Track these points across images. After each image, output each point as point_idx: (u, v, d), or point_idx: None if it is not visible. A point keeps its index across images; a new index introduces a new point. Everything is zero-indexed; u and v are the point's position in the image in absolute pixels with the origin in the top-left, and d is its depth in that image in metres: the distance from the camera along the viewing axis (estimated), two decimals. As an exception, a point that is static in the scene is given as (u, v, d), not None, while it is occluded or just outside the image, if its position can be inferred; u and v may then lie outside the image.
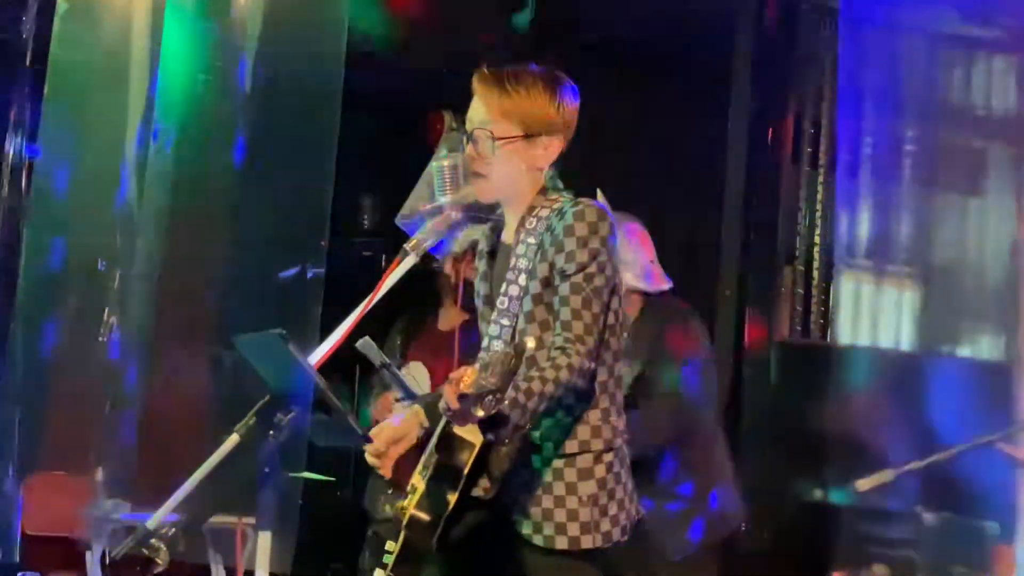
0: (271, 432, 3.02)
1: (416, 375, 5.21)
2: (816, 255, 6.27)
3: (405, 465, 3.46)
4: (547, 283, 3.05)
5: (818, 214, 6.29)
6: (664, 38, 6.28)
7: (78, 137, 5.67)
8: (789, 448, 4.84)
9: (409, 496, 3.13)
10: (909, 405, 4.86)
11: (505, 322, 3.08)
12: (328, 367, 3.13)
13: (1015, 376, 4.69)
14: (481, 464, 2.98)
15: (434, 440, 3.08)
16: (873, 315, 5.69)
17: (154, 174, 5.63)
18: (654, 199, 6.10)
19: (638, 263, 4.54)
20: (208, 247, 5.71)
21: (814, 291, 6.29)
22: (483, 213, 3.31)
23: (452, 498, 2.95)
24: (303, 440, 3.59)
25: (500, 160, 3.13)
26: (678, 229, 6.47)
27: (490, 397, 2.65)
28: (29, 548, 5.57)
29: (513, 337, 3.07)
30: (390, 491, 5.20)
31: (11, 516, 5.55)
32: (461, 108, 3.25)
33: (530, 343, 2.76)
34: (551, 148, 3.15)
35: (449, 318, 5.25)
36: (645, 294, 4.55)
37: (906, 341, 5.58)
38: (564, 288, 3.01)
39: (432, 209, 3.27)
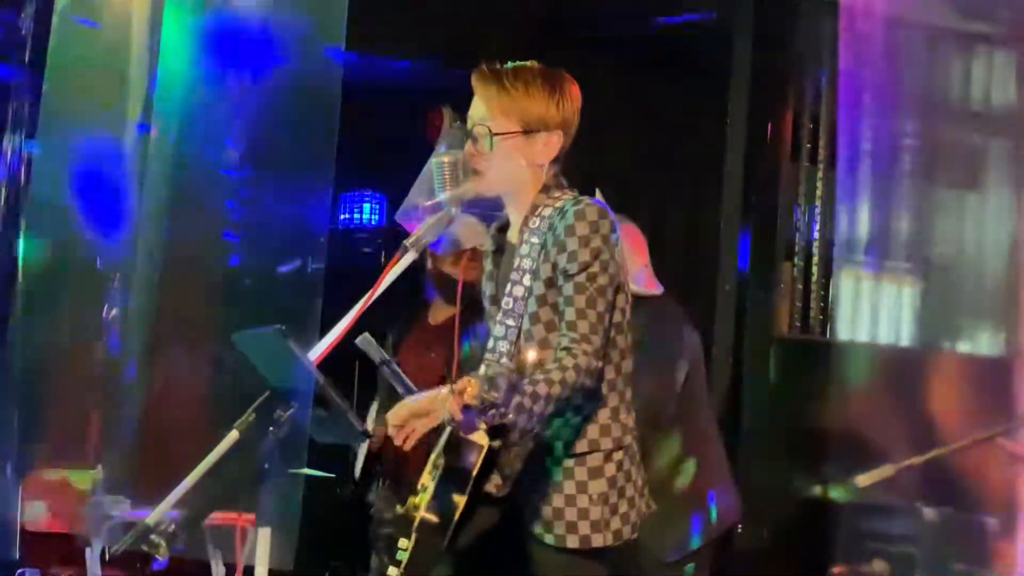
0: (271, 428, 3.02)
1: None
2: (815, 251, 6.28)
3: (413, 462, 3.46)
4: (550, 283, 3.05)
5: (817, 210, 6.30)
6: (663, 34, 6.28)
7: (77, 134, 5.67)
8: (789, 444, 4.85)
9: (420, 494, 3.14)
10: (909, 401, 4.86)
11: (510, 322, 3.08)
12: (327, 363, 3.13)
13: (1015, 371, 4.69)
14: (490, 465, 2.98)
15: (442, 442, 3.08)
16: (873, 311, 5.69)
17: (153, 170, 5.63)
18: (653, 195, 6.12)
19: (630, 266, 4.51)
20: (207, 243, 5.71)
21: (813, 287, 6.30)
22: (491, 211, 3.32)
23: (461, 501, 2.95)
24: (303, 436, 3.58)
25: (499, 156, 3.13)
26: (678, 225, 6.48)
27: (493, 411, 2.66)
28: (29, 545, 5.57)
29: (519, 337, 3.07)
30: (387, 487, 5.20)
31: (11, 513, 5.54)
32: (461, 105, 3.25)
33: (531, 356, 2.77)
34: (551, 144, 3.15)
35: (439, 313, 5.25)
36: (635, 297, 4.53)
37: (906, 337, 5.59)
38: (568, 288, 3.01)
39: (432, 205, 3.27)
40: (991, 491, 4.55)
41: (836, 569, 4.90)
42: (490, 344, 3.13)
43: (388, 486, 5.23)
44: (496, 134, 3.11)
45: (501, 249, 3.25)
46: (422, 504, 3.06)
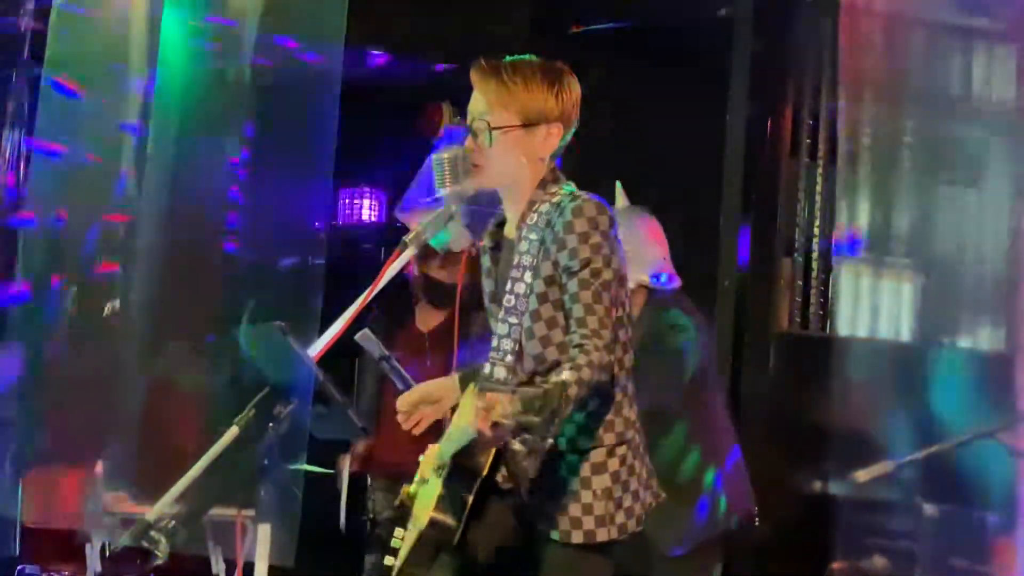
0: (271, 424, 3.02)
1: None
2: (815, 247, 6.28)
3: (404, 457, 3.46)
4: (551, 281, 3.05)
5: (817, 205, 6.29)
6: (663, 29, 6.27)
7: (76, 129, 5.67)
8: (788, 440, 4.85)
9: (417, 484, 3.15)
10: (909, 397, 4.86)
11: (513, 320, 3.07)
12: (327, 359, 3.13)
13: (1015, 367, 4.69)
14: (498, 461, 3.01)
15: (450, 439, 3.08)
16: (872, 307, 5.69)
17: (153, 165, 5.63)
18: (652, 191, 6.10)
19: (647, 258, 4.50)
20: (207, 239, 5.70)
21: (813, 283, 6.29)
22: (488, 208, 3.32)
23: (469, 498, 2.97)
24: (304, 432, 3.58)
25: (499, 150, 3.13)
26: (677, 221, 6.46)
27: (525, 434, 2.66)
28: (28, 541, 5.57)
29: (522, 335, 3.07)
30: (382, 487, 5.20)
31: (11, 510, 5.54)
32: (460, 101, 3.25)
33: (566, 375, 2.81)
34: (550, 138, 3.15)
35: (429, 320, 5.22)
36: (650, 290, 4.52)
37: (906, 332, 5.59)
38: (572, 285, 3.02)
39: (431, 201, 3.27)
40: (991, 487, 4.55)
41: (836, 565, 4.91)
42: (494, 342, 3.12)
43: (383, 486, 5.22)
44: (495, 128, 3.11)
45: (499, 246, 3.25)
46: (424, 497, 3.07)
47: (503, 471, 3.05)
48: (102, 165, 5.68)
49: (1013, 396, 4.54)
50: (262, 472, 2.99)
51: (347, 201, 7.42)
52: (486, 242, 3.28)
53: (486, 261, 3.27)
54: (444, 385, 3.30)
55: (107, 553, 5.35)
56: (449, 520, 2.97)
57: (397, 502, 3.22)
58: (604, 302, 3.00)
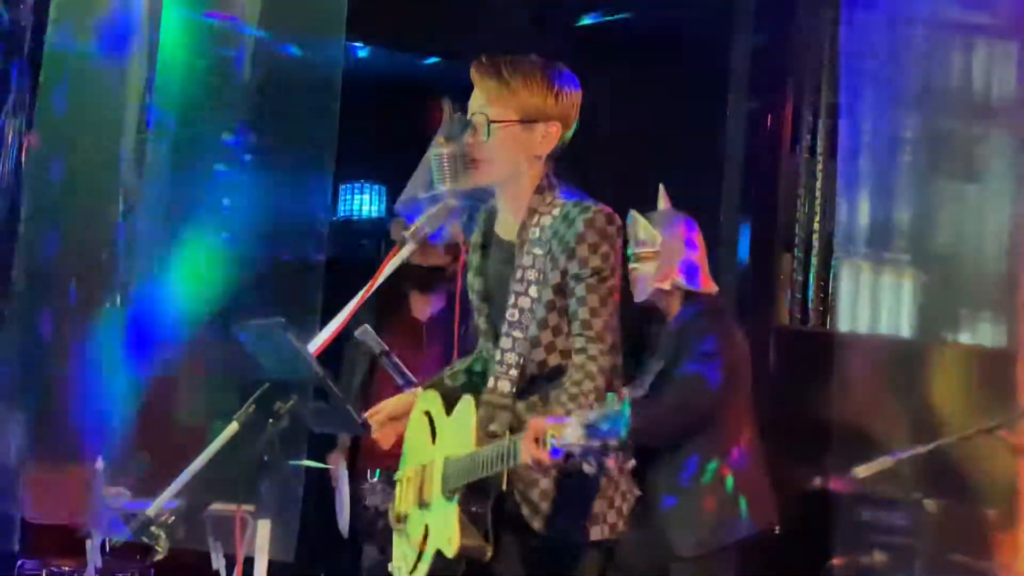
0: (271, 420, 3.02)
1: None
2: (815, 242, 6.28)
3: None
4: (559, 289, 3.09)
5: (817, 201, 6.29)
6: (663, 24, 6.27)
7: (75, 125, 5.66)
8: (788, 435, 4.85)
9: (411, 506, 3.22)
10: (908, 392, 4.86)
11: (517, 334, 3.11)
12: (327, 354, 3.13)
13: (1015, 363, 4.69)
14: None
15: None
16: (872, 302, 5.69)
17: (153, 161, 5.63)
18: (652, 186, 6.10)
19: (685, 260, 4.54)
20: (208, 234, 5.70)
21: (813, 278, 6.29)
22: (482, 200, 3.32)
23: (489, 514, 3.02)
24: (303, 428, 3.58)
25: (497, 145, 3.14)
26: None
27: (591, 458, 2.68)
28: (29, 537, 5.57)
29: (527, 349, 3.09)
30: (382, 478, 5.20)
31: (11, 505, 5.54)
32: (460, 96, 3.25)
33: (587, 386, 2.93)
34: (549, 136, 3.16)
35: (425, 307, 5.22)
36: (686, 293, 4.54)
37: (905, 328, 5.58)
38: (580, 289, 3.06)
39: (431, 196, 3.27)
40: (992, 483, 4.56)
41: (836, 561, 4.91)
42: (497, 356, 3.13)
43: (382, 477, 5.22)
44: (494, 122, 3.12)
45: (488, 242, 3.26)
46: (435, 521, 3.10)
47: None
48: (102, 161, 5.68)
49: (1013, 391, 4.55)
50: (262, 468, 2.99)
51: (347, 196, 7.43)
52: (475, 238, 3.29)
53: (475, 258, 3.27)
54: (407, 402, 3.38)
55: (107, 548, 5.35)
56: (480, 542, 3.01)
57: (393, 520, 3.25)
58: (609, 307, 3.06)
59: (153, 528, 3.07)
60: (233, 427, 3.07)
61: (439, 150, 3.20)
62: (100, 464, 5.30)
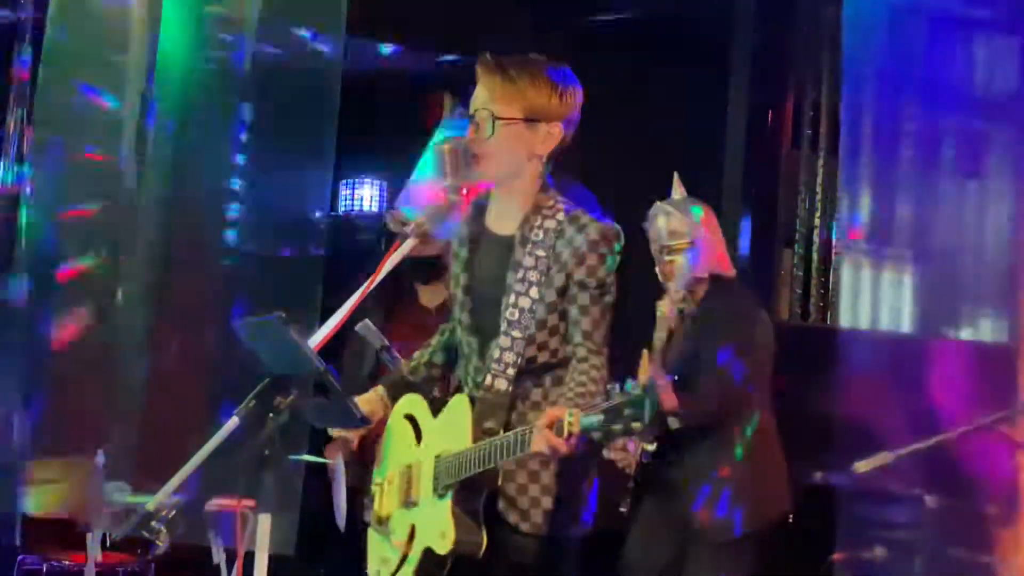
0: (271, 414, 3.02)
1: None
2: (816, 238, 6.28)
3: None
4: (563, 292, 3.15)
5: (818, 197, 6.29)
6: (664, 19, 6.27)
7: (75, 119, 5.66)
8: (788, 431, 4.84)
9: (395, 505, 3.25)
10: (909, 388, 4.86)
11: (516, 334, 3.14)
12: (328, 349, 3.13)
13: (1016, 358, 4.69)
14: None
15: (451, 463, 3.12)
16: (873, 298, 5.69)
17: (154, 155, 5.63)
18: (653, 182, 6.10)
19: (713, 247, 4.54)
20: (208, 229, 5.70)
21: (814, 274, 6.30)
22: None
23: (481, 508, 3.07)
24: (304, 423, 3.59)
25: (500, 142, 3.16)
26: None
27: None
28: (30, 531, 5.57)
29: (524, 348, 3.13)
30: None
31: (12, 500, 5.54)
32: (460, 91, 3.26)
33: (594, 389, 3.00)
34: (551, 136, 3.18)
35: (435, 296, 5.22)
36: (710, 279, 4.53)
37: (906, 323, 5.58)
38: (584, 298, 3.13)
39: (432, 192, 3.27)
40: (992, 478, 4.55)
41: (836, 556, 4.91)
42: (496, 355, 3.16)
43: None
44: (499, 119, 3.13)
45: (478, 237, 3.26)
46: (423, 519, 3.13)
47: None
48: (102, 156, 5.67)
49: (1014, 387, 4.54)
50: (263, 462, 2.99)
51: (348, 191, 7.42)
52: (463, 231, 3.29)
53: (462, 251, 3.28)
54: (370, 400, 3.41)
55: (108, 543, 5.35)
56: (475, 536, 3.06)
57: (374, 523, 3.27)
58: (607, 319, 3.15)
59: (153, 523, 3.07)
60: (233, 421, 3.07)
61: (441, 145, 3.20)
62: (100, 458, 5.30)
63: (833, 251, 6.24)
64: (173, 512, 3.10)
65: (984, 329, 5.10)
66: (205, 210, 5.72)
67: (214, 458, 3.06)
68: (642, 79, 6.38)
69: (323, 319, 3.21)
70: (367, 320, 4.50)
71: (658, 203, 4.57)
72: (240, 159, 5.68)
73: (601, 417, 2.76)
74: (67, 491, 5.46)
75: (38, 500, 5.55)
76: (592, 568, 4.17)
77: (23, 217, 5.80)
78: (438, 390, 3.44)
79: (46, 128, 5.71)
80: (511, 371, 3.12)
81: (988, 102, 5.25)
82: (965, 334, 5.15)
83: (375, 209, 7.40)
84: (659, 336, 4.42)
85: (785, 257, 6.30)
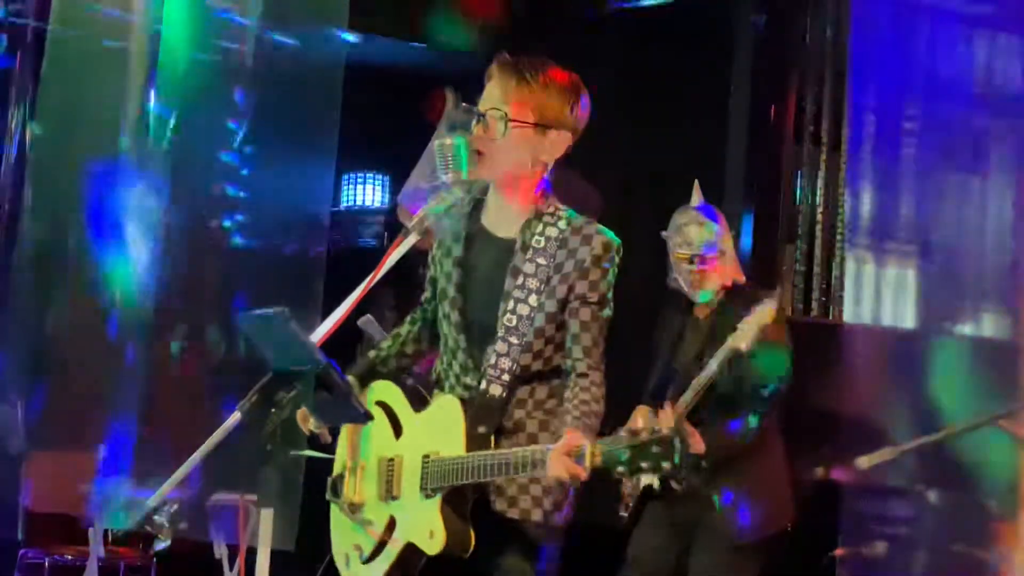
0: (273, 409, 3.02)
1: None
2: (818, 233, 6.27)
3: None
4: (563, 304, 3.16)
5: (820, 192, 6.29)
6: (666, 14, 6.26)
7: (77, 115, 5.66)
8: (790, 426, 4.84)
9: (347, 481, 3.26)
10: (912, 383, 4.86)
11: (514, 340, 3.15)
12: (330, 344, 3.13)
13: (1019, 354, 4.69)
14: None
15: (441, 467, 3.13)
16: (876, 293, 5.69)
17: (155, 150, 5.63)
18: (654, 177, 6.10)
19: (734, 254, 4.55)
20: (210, 225, 5.70)
21: (816, 269, 6.29)
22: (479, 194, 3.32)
23: (469, 505, 3.09)
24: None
25: (508, 143, 3.15)
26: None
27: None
28: (32, 525, 5.58)
29: (521, 354, 3.14)
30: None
31: (14, 494, 5.55)
32: (463, 87, 3.25)
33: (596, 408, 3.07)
34: (558, 144, 3.19)
35: None
36: (730, 283, 4.53)
37: (909, 319, 5.58)
38: (585, 313, 3.15)
39: (434, 187, 3.26)
40: (994, 474, 4.56)
41: (839, 551, 4.91)
42: (492, 360, 3.15)
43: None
44: (512, 120, 3.13)
45: (473, 235, 3.26)
46: (406, 514, 3.14)
47: None
48: (103, 150, 5.67)
49: (1017, 382, 4.54)
50: (265, 458, 2.99)
51: (350, 187, 7.42)
52: (456, 227, 3.29)
53: (456, 247, 3.27)
54: None
55: (110, 537, 5.36)
56: (465, 538, 3.07)
57: (346, 508, 3.27)
58: (604, 334, 3.18)
59: (156, 517, 3.07)
60: (235, 417, 3.06)
61: (443, 141, 3.19)
62: (102, 453, 5.31)
63: (835, 247, 6.24)
64: (175, 507, 3.10)
65: (987, 325, 5.10)
66: (207, 205, 5.72)
67: (216, 454, 3.06)
68: (644, 73, 6.37)
69: (325, 314, 3.21)
70: (369, 315, 4.50)
71: (688, 211, 4.52)
72: (242, 154, 5.68)
73: (628, 454, 2.76)
74: (69, 486, 5.46)
75: (41, 494, 5.56)
76: (592, 568, 4.19)
77: (24, 213, 5.79)
78: (411, 379, 3.43)
79: (48, 123, 5.72)
80: (506, 377, 3.13)
81: (993, 98, 5.25)
82: (968, 330, 5.15)
83: (378, 205, 7.39)
84: (686, 398, 4.36)
85: (788, 252, 6.29)
